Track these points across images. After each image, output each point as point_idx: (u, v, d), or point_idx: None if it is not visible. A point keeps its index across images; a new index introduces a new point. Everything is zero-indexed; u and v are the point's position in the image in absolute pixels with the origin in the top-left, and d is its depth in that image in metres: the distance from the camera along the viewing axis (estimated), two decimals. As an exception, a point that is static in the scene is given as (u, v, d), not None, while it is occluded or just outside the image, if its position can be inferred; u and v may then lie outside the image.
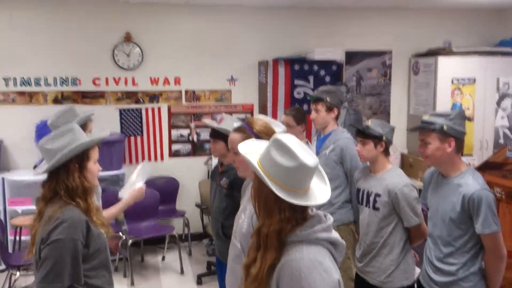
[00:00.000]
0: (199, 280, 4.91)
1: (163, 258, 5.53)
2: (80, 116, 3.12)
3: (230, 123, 3.02)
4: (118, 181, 5.36)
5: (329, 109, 3.60)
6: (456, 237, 2.48)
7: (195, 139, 6.00)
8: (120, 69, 5.68)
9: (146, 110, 5.83)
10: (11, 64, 5.43)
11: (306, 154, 1.55)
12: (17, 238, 4.78)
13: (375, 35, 6.25)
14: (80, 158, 2.11)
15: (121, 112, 5.76)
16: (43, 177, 2.15)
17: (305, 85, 5.70)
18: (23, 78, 5.48)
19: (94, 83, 5.65)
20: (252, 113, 6.03)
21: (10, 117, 5.45)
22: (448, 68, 5.83)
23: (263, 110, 5.78)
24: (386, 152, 2.91)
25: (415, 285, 2.85)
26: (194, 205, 5.78)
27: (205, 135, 5.78)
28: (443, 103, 5.79)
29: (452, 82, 5.84)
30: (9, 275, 4.48)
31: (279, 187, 1.53)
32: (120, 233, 4.94)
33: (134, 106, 5.79)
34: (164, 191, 5.52)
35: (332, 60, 5.75)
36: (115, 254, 5.11)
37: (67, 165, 2.08)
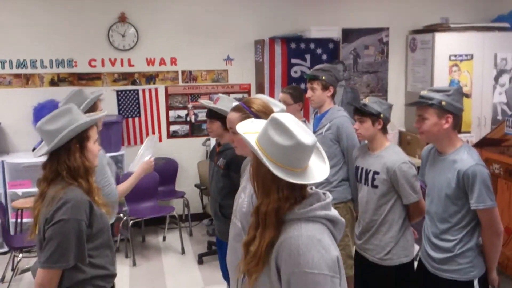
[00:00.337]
0: (200, 260, 4.95)
1: (164, 239, 5.58)
2: (89, 97, 3.12)
3: (226, 103, 3.01)
4: (117, 163, 5.36)
5: (325, 87, 3.58)
6: (452, 213, 2.49)
7: (193, 119, 5.99)
8: (115, 50, 5.64)
9: (143, 91, 5.81)
10: (6, 46, 5.39)
11: (303, 132, 1.55)
12: (19, 220, 4.81)
13: (372, 12, 6.19)
14: (80, 138, 2.12)
15: (118, 93, 5.74)
16: (43, 159, 2.16)
17: (302, 64, 5.65)
18: (19, 60, 5.44)
19: (90, 64, 5.62)
20: (249, 93, 6.00)
21: (7, 100, 5.44)
22: (446, 44, 5.79)
23: (260, 90, 5.75)
24: (384, 130, 2.91)
25: (415, 262, 2.88)
26: (193, 186, 5.80)
27: (203, 115, 5.75)
28: (441, 80, 5.76)
29: (450, 58, 5.81)
30: (11, 257, 4.53)
31: (276, 166, 1.53)
32: (121, 214, 4.97)
33: (130, 87, 5.77)
34: (163, 172, 5.51)
35: (328, 38, 5.69)
36: (116, 234, 5.15)
37: (68, 145, 2.09)
